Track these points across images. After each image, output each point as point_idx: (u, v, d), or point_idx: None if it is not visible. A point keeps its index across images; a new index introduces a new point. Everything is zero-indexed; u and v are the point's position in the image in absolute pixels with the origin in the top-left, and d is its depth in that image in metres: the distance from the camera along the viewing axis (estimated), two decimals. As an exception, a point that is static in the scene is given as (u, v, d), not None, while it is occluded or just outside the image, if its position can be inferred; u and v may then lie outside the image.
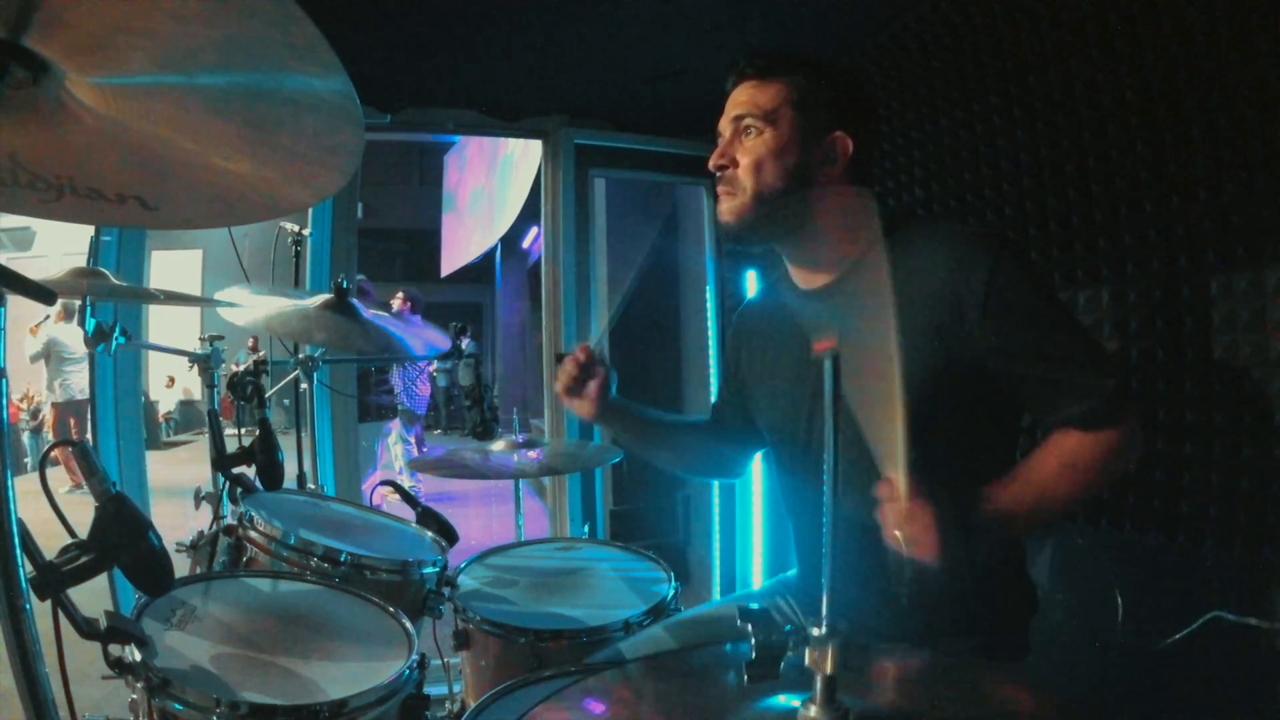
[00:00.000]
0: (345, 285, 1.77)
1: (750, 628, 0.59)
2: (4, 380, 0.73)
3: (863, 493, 1.08)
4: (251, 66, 0.62)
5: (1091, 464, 0.97)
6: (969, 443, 1.04)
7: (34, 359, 6.05)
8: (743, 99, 1.09)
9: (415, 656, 1.07)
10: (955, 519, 0.88)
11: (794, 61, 1.10)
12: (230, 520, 1.34)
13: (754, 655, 0.59)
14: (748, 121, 1.07)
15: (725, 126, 1.11)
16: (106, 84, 0.63)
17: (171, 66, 0.61)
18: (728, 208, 1.09)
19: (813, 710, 0.58)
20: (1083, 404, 0.96)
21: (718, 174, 1.10)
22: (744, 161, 1.07)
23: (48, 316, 5.87)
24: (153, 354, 5.49)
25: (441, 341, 1.84)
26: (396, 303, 4.97)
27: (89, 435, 3.07)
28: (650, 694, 0.71)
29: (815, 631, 0.59)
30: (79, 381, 6.03)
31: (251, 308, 1.63)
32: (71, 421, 6.18)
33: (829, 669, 0.58)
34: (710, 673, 0.76)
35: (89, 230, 2.17)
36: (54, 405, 6.22)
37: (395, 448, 5.24)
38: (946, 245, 1.02)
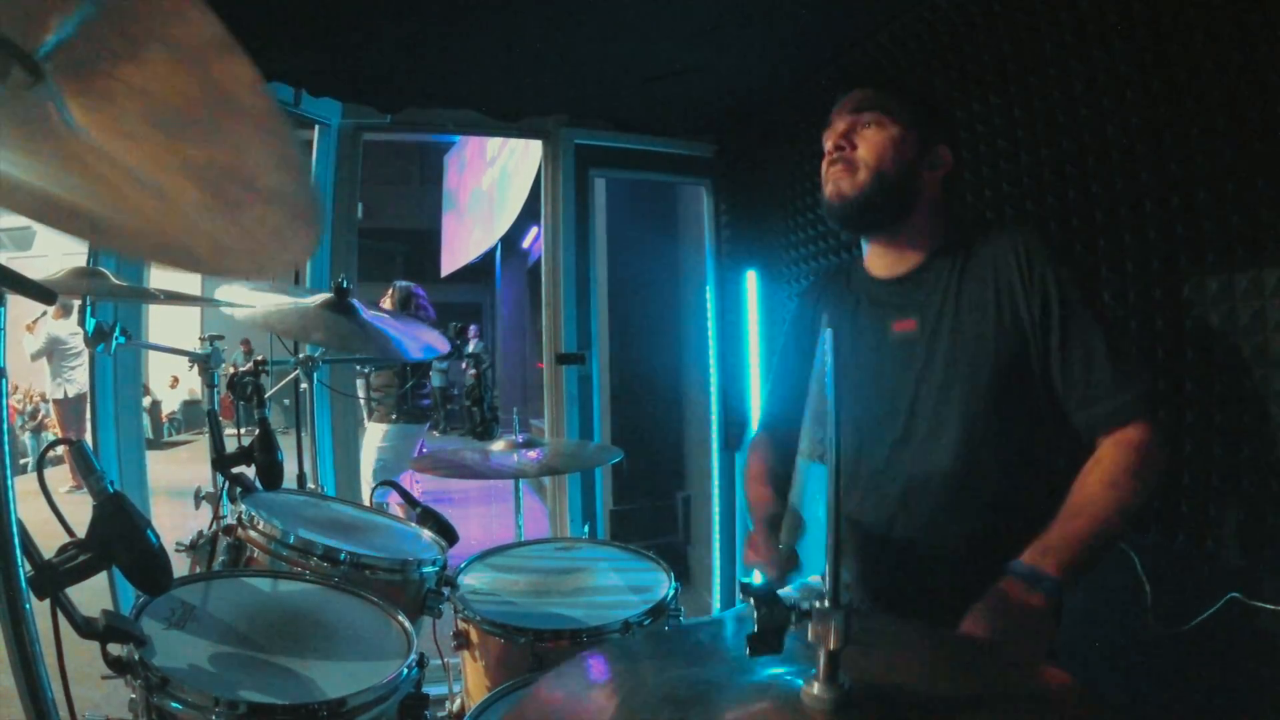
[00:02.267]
0: (345, 285, 1.77)
1: (752, 601, 0.59)
2: (4, 380, 0.74)
3: (915, 467, 1.13)
4: (232, 154, 0.63)
5: (1130, 473, 1.01)
6: (1029, 424, 1.10)
7: (35, 357, 6.05)
8: (864, 98, 1.17)
9: (414, 656, 1.07)
10: (1038, 608, 0.93)
11: (912, 79, 1.20)
12: (230, 520, 1.34)
13: (756, 628, 0.58)
14: (869, 116, 1.16)
15: (841, 120, 1.18)
16: (97, 113, 0.63)
17: (160, 125, 0.62)
18: (848, 182, 1.16)
19: (815, 687, 0.57)
20: (1117, 399, 1.03)
21: (834, 154, 1.17)
22: (864, 146, 1.16)
23: (45, 313, 5.87)
24: (156, 354, 5.51)
25: (440, 344, 1.84)
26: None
27: (89, 434, 3.07)
28: (653, 668, 0.71)
29: (818, 604, 0.57)
30: (82, 377, 6.01)
31: (250, 306, 1.62)
32: (74, 420, 6.18)
33: (833, 644, 0.57)
34: (714, 649, 0.75)
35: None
36: (56, 403, 6.22)
37: None
38: (1013, 241, 1.12)
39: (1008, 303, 1.09)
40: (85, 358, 6.10)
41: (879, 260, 1.24)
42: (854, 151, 1.15)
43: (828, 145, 1.19)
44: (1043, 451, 1.12)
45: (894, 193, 1.15)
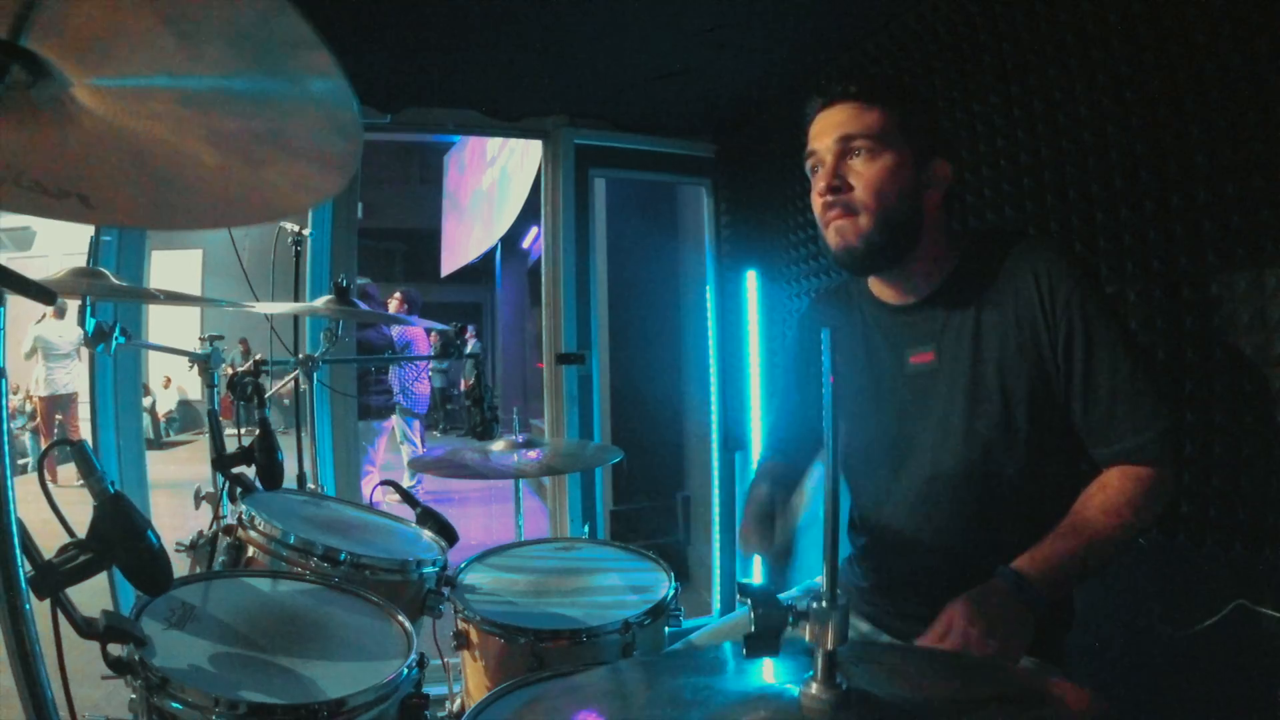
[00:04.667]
0: (345, 285, 1.78)
1: (750, 602, 0.59)
2: (4, 380, 0.73)
3: (939, 504, 1.11)
4: (248, 70, 0.62)
5: (1131, 506, 1.00)
6: (1050, 449, 1.08)
7: (27, 356, 6.40)
8: (846, 121, 1.07)
9: (414, 656, 1.07)
10: (1019, 610, 0.93)
11: (896, 87, 1.12)
12: (230, 520, 1.34)
13: (753, 629, 0.58)
14: (858, 143, 1.06)
15: (825, 149, 1.08)
16: (104, 86, 0.63)
17: (166, 69, 0.61)
18: (851, 230, 1.06)
19: (813, 688, 0.57)
20: (1135, 438, 1.00)
21: (829, 198, 1.07)
22: (860, 184, 1.06)
23: (45, 316, 6.11)
24: (151, 354, 5.58)
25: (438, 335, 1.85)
26: (394, 304, 5.01)
27: (88, 433, 3.07)
28: (651, 683, 0.71)
29: (815, 605, 0.57)
30: (63, 377, 6.44)
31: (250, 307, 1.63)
32: (58, 416, 6.50)
33: (830, 644, 0.57)
34: (715, 664, 0.75)
35: (89, 230, 2.17)
36: (39, 399, 6.53)
37: (403, 448, 5.25)
38: (1035, 261, 1.06)
39: (1028, 331, 1.05)
40: (72, 361, 6.48)
41: (886, 289, 1.18)
42: (850, 193, 1.06)
43: (819, 183, 1.09)
44: (1065, 477, 1.10)
45: (900, 229, 1.07)
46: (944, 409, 1.11)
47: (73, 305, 1.31)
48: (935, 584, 1.11)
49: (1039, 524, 1.03)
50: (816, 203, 1.11)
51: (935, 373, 1.12)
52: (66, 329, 6.31)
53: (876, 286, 1.20)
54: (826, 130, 1.09)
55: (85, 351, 6.46)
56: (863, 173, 1.06)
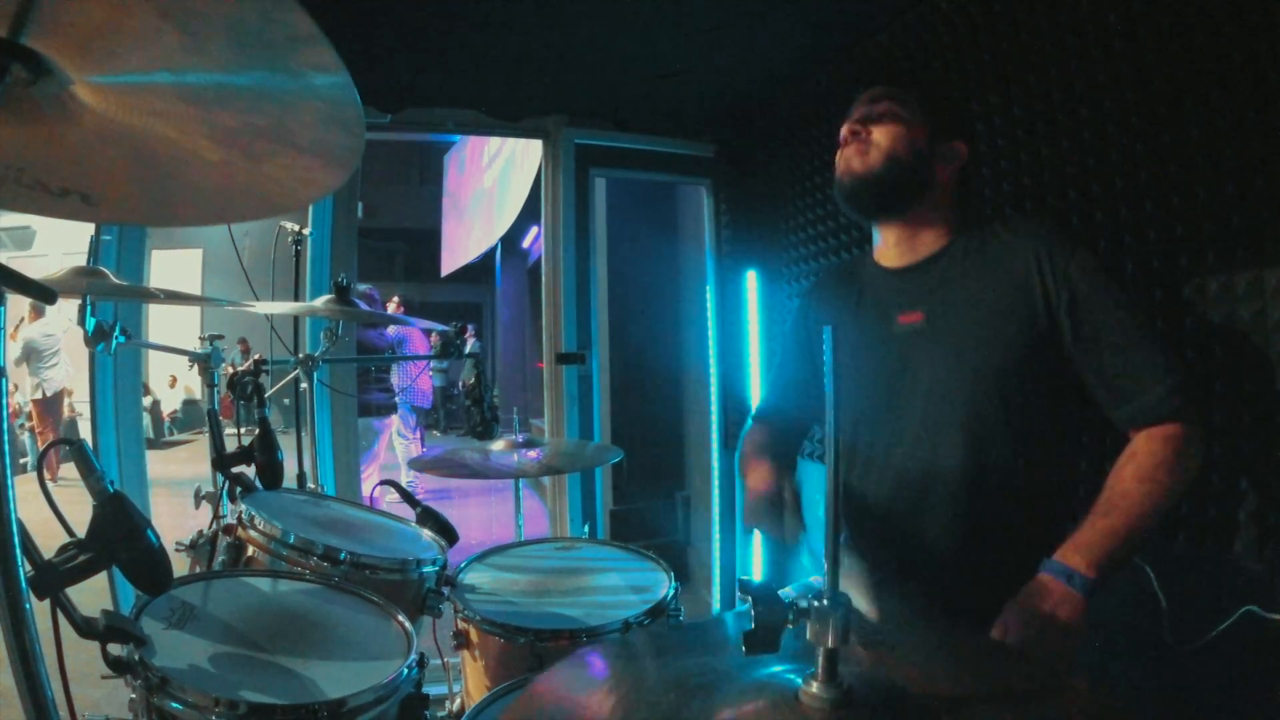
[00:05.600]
0: (345, 284, 1.78)
1: (750, 599, 0.59)
2: (4, 380, 0.73)
3: (934, 471, 1.11)
4: (249, 65, 0.62)
5: (1165, 468, 0.99)
6: (1039, 425, 1.09)
7: (18, 363, 6.36)
8: (882, 95, 1.20)
9: (414, 656, 1.07)
10: (1072, 603, 0.92)
11: (924, 76, 1.26)
12: (230, 519, 1.34)
13: (752, 626, 0.58)
14: (886, 106, 1.18)
15: (857, 111, 1.21)
16: (105, 83, 0.63)
17: (168, 65, 0.61)
18: (859, 161, 1.18)
19: (814, 686, 0.57)
20: (1158, 388, 1.00)
21: (850, 138, 1.19)
22: (879, 131, 1.18)
23: (23, 320, 6.11)
24: (155, 353, 5.59)
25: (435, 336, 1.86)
26: (392, 305, 5.07)
27: (87, 433, 3.07)
28: (653, 666, 0.71)
29: (816, 603, 0.57)
30: (55, 374, 6.47)
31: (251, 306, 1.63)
32: (49, 417, 6.53)
33: (831, 642, 0.57)
34: (717, 647, 0.75)
35: (89, 229, 2.17)
36: (35, 403, 6.53)
37: (397, 444, 5.26)
38: (1031, 233, 1.12)
39: (1023, 298, 1.07)
40: (59, 358, 6.46)
41: (889, 250, 1.24)
42: (869, 135, 1.17)
43: (844, 132, 1.20)
44: (1054, 448, 1.10)
45: (905, 176, 1.16)
46: (927, 367, 1.12)
47: (61, 303, 1.31)
48: (912, 551, 1.11)
49: (1019, 491, 1.05)
50: (839, 152, 1.22)
51: (921, 332, 1.15)
52: (48, 325, 6.32)
53: (880, 251, 1.25)
54: (862, 104, 1.22)
55: (69, 342, 6.49)
56: (883, 124, 1.18)
